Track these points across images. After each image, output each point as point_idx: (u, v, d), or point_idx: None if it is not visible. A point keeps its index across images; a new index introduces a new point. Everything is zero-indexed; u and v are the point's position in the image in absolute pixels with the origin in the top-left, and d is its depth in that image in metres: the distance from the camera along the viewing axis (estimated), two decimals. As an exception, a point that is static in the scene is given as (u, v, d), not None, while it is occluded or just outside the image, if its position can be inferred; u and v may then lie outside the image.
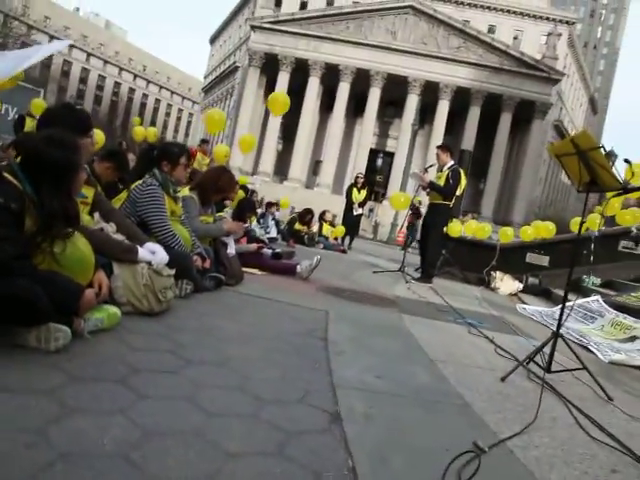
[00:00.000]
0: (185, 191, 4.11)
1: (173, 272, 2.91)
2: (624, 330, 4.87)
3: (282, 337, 2.86)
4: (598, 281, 7.19)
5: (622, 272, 7.74)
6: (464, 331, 4.06)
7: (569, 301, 6.50)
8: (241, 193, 8.21)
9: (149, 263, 2.78)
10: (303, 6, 43.81)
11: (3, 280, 1.81)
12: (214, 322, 2.91)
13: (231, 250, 4.29)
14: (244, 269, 4.62)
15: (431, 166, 7.39)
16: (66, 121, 2.53)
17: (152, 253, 2.83)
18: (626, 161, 3.40)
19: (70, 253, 2.09)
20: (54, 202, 2.03)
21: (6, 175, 1.89)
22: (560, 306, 6.25)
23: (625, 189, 2.82)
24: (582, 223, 3.28)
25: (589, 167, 2.86)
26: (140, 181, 3.45)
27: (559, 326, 3.02)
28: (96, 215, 2.89)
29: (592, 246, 8.00)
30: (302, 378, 2.22)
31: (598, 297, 5.89)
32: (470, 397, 2.39)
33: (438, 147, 7.30)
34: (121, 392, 1.73)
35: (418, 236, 8.51)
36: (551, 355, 2.95)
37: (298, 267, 5.34)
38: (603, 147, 2.70)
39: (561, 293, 7.48)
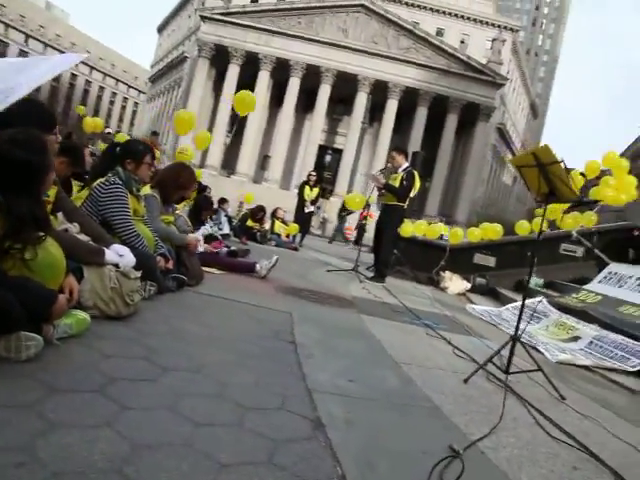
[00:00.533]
0: (146, 189, 4.03)
1: (139, 274, 2.86)
2: (567, 330, 5.14)
3: (251, 340, 2.86)
4: (541, 282, 7.52)
5: (562, 273, 8.13)
6: (422, 332, 4.18)
7: (515, 301, 6.79)
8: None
9: (116, 265, 2.73)
10: (254, -1, 43.42)
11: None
12: (182, 325, 2.88)
13: (200, 249, 4.25)
14: (203, 268, 4.58)
15: (386, 168, 7.51)
16: (30, 118, 2.43)
17: (119, 255, 2.77)
18: (582, 174, 3.59)
19: (41, 258, 2.02)
20: (23, 206, 1.96)
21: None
22: (507, 306, 6.54)
23: (580, 202, 2.99)
24: (540, 232, 3.42)
25: (548, 179, 3.01)
26: (103, 179, 3.36)
27: (517, 330, 3.16)
28: (60, 215, 2.79)
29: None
30: (277, 383, 2.24)
31: (542, 298, 6.16)
32: (437, 399, 2.48)
33: (394, 150, 7.45)
34: (102, 403, 1.69)
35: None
36: (510, 358, 3.10)
37: (257, 265, 5.33)
38: (563, 162, 2.85)
39: (507, 293, 7.85)
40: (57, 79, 75.79)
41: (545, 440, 2.23)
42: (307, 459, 1.59)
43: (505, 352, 3.20)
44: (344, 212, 20.07)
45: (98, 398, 1.72)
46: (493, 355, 3.14)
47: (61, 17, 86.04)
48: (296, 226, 12.09)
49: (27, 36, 74.27)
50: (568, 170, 2.90)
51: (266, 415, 1.88)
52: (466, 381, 2.87)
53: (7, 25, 70.90)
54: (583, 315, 5.42)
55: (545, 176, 3.00)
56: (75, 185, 4.10)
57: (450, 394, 2.62)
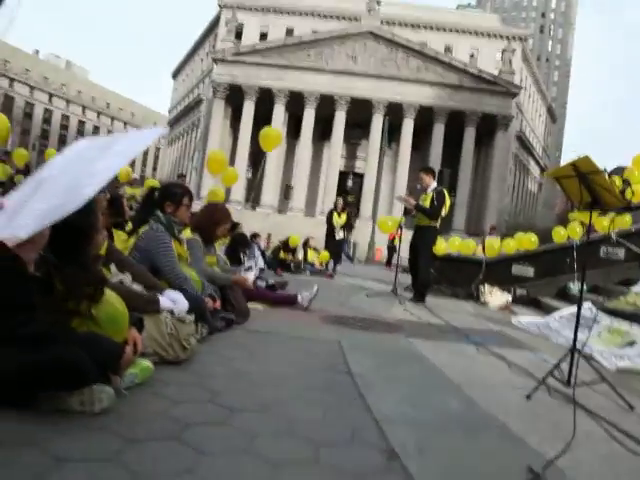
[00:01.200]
0: (187, 233, 4.12)
1: (193, 318, 2.91)
2: (621, 335, 5.01)
3: (308, 374, 2.87)
4: (585, 288, 7.35)
5: (606, 277, 7.96)
6: (473, 351, 4.12)
7: (559, 309, 6.65)
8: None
9: (171, 312, 2.78)
10: (263, 36, 44.42)
11: (46, 348, 1.80)
12: (238, 365, 2.90)
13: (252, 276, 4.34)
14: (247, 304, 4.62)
15: (416, 189, 7.52)
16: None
17: (173, 301, 2.83)
18: (625, 181, 3.55)
19: (106, 312, 2.09)
20: (74, 269, 2.02)
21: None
22: (552, 315, 6.40)
23: (630, 208, 2.96)
24: (588, 240, 3.38)
25: (590, 188, 2.98)
26: (146, 227, 3.44)
27: (575, 341, 3.10)
28: (112, 267, 2.87)
29: (574, 254, 8.26)
30: (344, 416, 2.24)
31: (590, 304, 6.02)
32: (505, 419, 2.44)
33: (421, 170, 7.46)
34: (180, 450, 1.72)
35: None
36: (570, 370, 3.03)
37: (299, 297, 5.36)
38: (605, 170, 2.83)
39: (550, 302, 7.70)
40: (81, 132, 78.49)
41: (624, 454, 2.17)
42: (391, 491, 1.58)
43: (562, 364, 3.13)
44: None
45: (175, 445, 1.75)
46: (553, 369, 3.08)
47: (81, 74, 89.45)
48: (326, 253, 12.12)
49: (50, 95, 77.37)
50: (610, 177, 2.88)
51: (339, 449, 1.87)
52: (529, 397, 2.82)
53: (32, 87, 74.14)
54: (635, 318, 5.28)
55: (587, 185, 2.97)
56: (118, 234, 4.22)
57: (515, 412, 2.58)
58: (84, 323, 2.04)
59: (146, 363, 2.38)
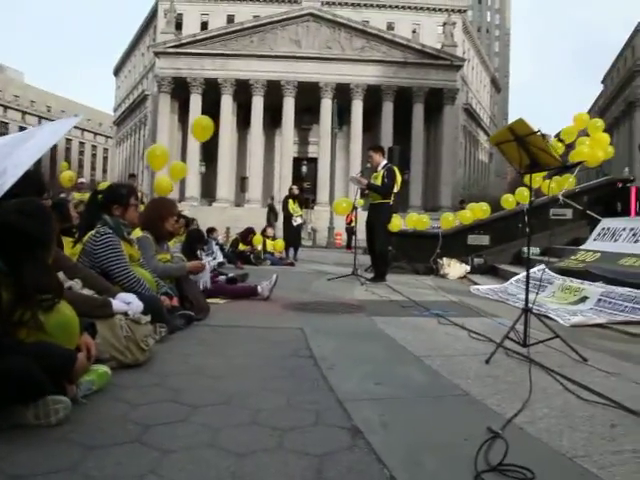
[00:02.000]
0: (137, 232, 4.03)
1: (149, 318, 2.87)
2: (574, 293, 5.20)
3: (271, 363, 2.87)
4: (537, 250, 7.59)
5: (556, 239, 8.21)
6: (434, 323, 4.21)
7: (517, 274, 6.85)
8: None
9: (125, 314, 2.73)
10: (204, 26, 43.54)
11: (-5, 361, 1.74)
12: (200, 361, 2.88)
13: (206, 284, 4.26)
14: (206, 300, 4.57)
15: (367, 168, 7.57)
16: (21, 185, 2.44)
17: (127, 303, 2.77)
18: (560, 140, 3.65)
19: (55, 320, 2.03)
20: (30, 276, 1.96)
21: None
22: (510, 281, 6.59)
23: (565, 166, 3.04)
24: (531, 202, 3.48)
25: (528, 151, 3.06)
26: (93, 231, 3.36)
27: (527, 302, 3.20)
28: (60, 274, 2.79)
29: (525, 219, 8.48)
30: (307, 400, 2.25)
31: (542, 266, 6.22)
32: (465, 385, 2.50)
33: (370, 149, 7.52)
34: (143, 451, 1.70)
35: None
36: (525, 330, 3.13)
37: (258, 288, 5.34)
38: (540, 131, 2.90)
39: (507, 268, 7.91)
40: (22, 140, 75.31)
41: (578, 404, 2.26)
42: (354, 468, 1.60)
43: (519, 326, 3.23)
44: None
45: (138, 447, 1.73)
46: (509, 331, 3.17)
47: (16, 77, 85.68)
48: (282, 242, 12.11)
49: (-16, 103, 74.02)
50: (545, 137, 2.95)
51: (304, 433, 1.89)
52: (488, 362, 2.90)
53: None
54: (586, 275, 5.49)
55: (525, 148, 3.05)
56: (66, 241, 4.10)
57: (476, 377, 2.65)
58: (32, 333, 1.97)
59: (103, 369, 2.33)
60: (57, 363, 1.92)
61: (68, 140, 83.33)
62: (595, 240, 6.77)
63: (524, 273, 6.58)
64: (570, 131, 7.95)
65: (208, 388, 2.40)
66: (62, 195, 11.29)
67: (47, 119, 78.94)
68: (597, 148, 8.06)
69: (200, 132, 8.23)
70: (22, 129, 76.77)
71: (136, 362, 2.65)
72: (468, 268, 8.37)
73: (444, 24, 41.09)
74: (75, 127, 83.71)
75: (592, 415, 2.12)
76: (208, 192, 40.02)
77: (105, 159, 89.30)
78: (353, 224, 16.43)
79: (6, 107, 76.48)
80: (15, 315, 1.93)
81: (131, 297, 2.86)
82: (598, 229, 6.94)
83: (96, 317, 2.60)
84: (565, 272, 5.98)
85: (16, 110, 77.95)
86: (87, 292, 2.81)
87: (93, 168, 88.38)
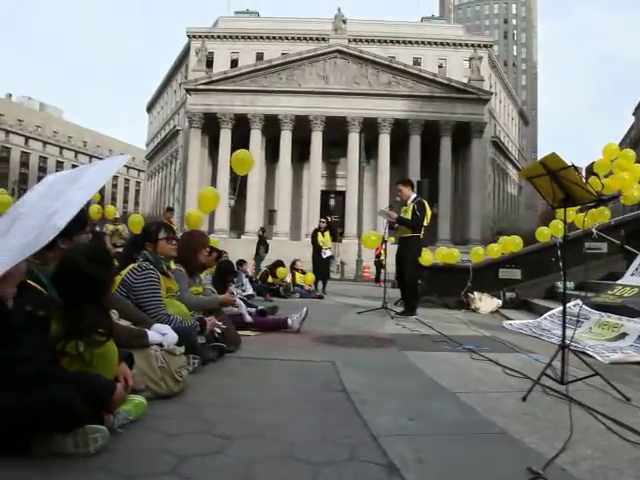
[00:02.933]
0: (172, 265, 4.10)
1: (183, 350, 2.90)
2: (611, 329, 5.05)
3: (303, 396, 2.85)
4: (572, 285, 7.43)
5: (591, 273, 8.03)
6: (467, 358, 4.13)
7: (550, 309, 6.69)
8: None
9: (160, 345, 2.76)
10: (234, 64, 44.83)
11: (39, 389, 1.78)
12: (233, 393, 2.88)
13: (247, 317, 4.32)
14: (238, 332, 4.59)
15: (396, 202, 7.59)
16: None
17: (162, 334, 2.81)
18: (594, 174, 3.62)
19: (97, 351, 2.07)
20: (94, 316, 2.06)
21: (29, 282, 1.89)
22: (544, 316, 6.44)
23: (600, 200, 3.01)
24: (565, 236, 3.44)
25: (562, 185, 3.04)
26: (135, 264, 3.44)
27: (564, 338, 3.13)
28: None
29: (558, 252, 8.34)
30: (341, 434, 2.22)
31: (578, 301, 6.08)
32: (502, 423, 2.44)
33: (399, 182, 7.54)
34: (179, 483, 1.70)
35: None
36: (563, 367, 3.05)
37: (289, 320, 5.34)
38: (573, 165, 2.89)
39: (540, 303, 7.74)
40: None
41: (623, 445, 2.18)
42: (393, 506, 1.57)
43: (556, 362, 3.15)
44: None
45: (174, 479, 1.73)
46: (546, 368, 3.10)
47: (55, 114, 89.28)
48: (312, 275, 12.14)
49: (27, 138, 77.20)
50: (578, 171, 2.94)
51: (339, 468, 1.87)
52: (525, 399, 2.83)
53: (7, 131, 73.96)
54: (623, 310, 5.34)
55: (558, 182, 3.03)
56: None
57: (513, 415, 2.58)
58: (74, 362, 2.02)
59: (139, 399, 2.36)
60: (97, 393, 1.96)
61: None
62: (633, 275, 6.60)
63: (559, 308, 6.46)
64: (603, 163, 7.83)
65: (242, 420, 2.40)
66: (96, 227, 11.59)
67: (83, 154, 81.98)
68: (633, 179, 7.89)
69: (240, 165, 8.40)
70: (59, 163, 79.71)
71: (170, 393, 2.67)
72: (500, 302, 8.23)
73: (470, 59, 41.44)
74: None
75: (639, 458, 2.04)
76: (237, 225, 40.50)
77: (137, 192, 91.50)
78: (382, 257, 16.45)
79: (45, 143, 79.56)
80: (59, 345, 1.98)
81: (166, 328, 2.90)
82: (636, 263, 6.76)
83: (132, 347, 2.65)
84: (602, 307, 5.82)
85: (55, 145, 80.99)
86: (123, 322, 2.86)
87: (125, 201, 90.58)
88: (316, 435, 2.21)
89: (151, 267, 3.43)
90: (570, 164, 2.99)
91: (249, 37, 46.66)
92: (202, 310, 4.13)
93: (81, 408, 1.85)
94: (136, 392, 2.49)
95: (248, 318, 4.66)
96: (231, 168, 8.67)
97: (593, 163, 8.49)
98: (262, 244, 17.76)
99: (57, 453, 1.87)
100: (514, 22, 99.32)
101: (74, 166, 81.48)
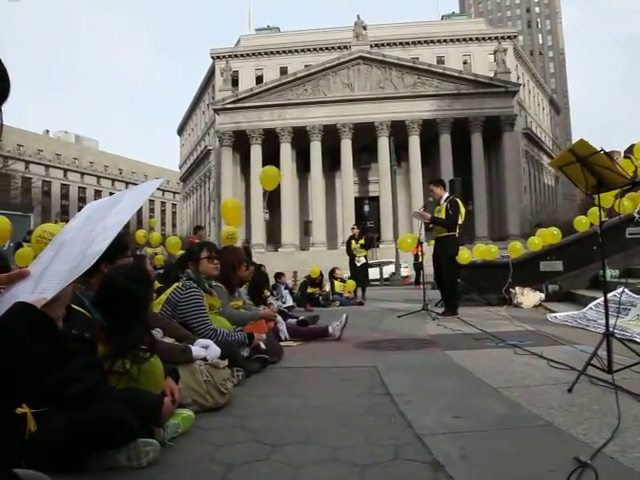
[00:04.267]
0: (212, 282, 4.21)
1: (227, 363, 2.97)
2: (660, 315, 4.90)
3: (347, 401, 2.88)
4: (617, 272, 7.23)
5: (636, 259, 7.81)
6: (511, 353, 4.09)
7: (595, 299, 6.54)
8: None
9: (204, 359, 2.85)
10: (259, 80, 45.52)
11: (92, 407, 1.87)
12: (277, 402, 2.94)
13: (284, 333, 4.41)
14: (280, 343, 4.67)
15: (430, 202, 7.56)
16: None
17: (205, 348, 2.90)
18: (626, 157, 3.55)
19: (143, 368, 2.17)
20: (138, 335, 2.16)
21: (74, 306, 1.99)
22: (589, 306, 6.30)
23: (635, 183, 2.96)
24: (601, 223, 3.38)
25: (593, 171, 3.00)
26: (179, 284, 3.57)
27: (607, 326, 3.07)
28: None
29: (599, 240, 8.12)
30: (386, 436, 2.25)
31: (623, 288, 5.91)
32: (548, 415, 2.42)
33: (431, 183, 7.52)
34: (229, 490, 1.76)
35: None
36: (609, 356, 2.99)
37: (329, 328, 5.38)
38: (602, 150, 2.85)
39: (584, 293, 7.56)
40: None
41: (674, 431, 2.13)
42: (438, 501, 1.59)
43: (602, 352, 3.09)
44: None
45: (224, 487, 1.79)
46: (591, 357, 3.04)
47: (91, 145, 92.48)
48: (352, 282, 12.16)
49: (65, 170, 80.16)
50: (609, 155, 2.89)
51: (385, 468, 1.89)
52: (570, 390, 2.79)
53: (47, 166, 77.01)
54: (671, 295, 5.18)
55: (589, 168, 2.99)
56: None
57: (559, 407, 2.55)
58: (122, 380, 2.12)
59: (187, 412, 2.44)
60: (146, 408, 2.04)
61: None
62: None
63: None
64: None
65: (287, 428, 2.45)
66: (137, 250, 11.92)
67: (119, 181, 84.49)
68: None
69: (267, 181, 8.54)
70: (97, 192, 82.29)
71: (217, 405, 2.75)
72: (543, 296, 8.07)
73: (495, 52, 40.92)
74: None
75: (691, 444, 1.99)
76: (273, 238, 40.89)
77: (174, 214, 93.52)
78: (420, 259, 16.33)
79: (83, 173, 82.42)
80: (106, 364, 2.08)
81: (208, 342, 2.99)
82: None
83: (177, 363, 2.74)
84: (648, 293, 5.66)
85: (92, 175, 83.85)
86: (167, 340, 2.96)
87: (163, 223, 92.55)
88: (360, 438, 2.23)
89: (194, 285, 3.55)
90: (600, 149, 2.95)
91: (272, 52, 47.32)
92: (244, 324, 4.23)
93: (133, 422, 1.93)
94: (183, 406, 2.57)
95: (284, 335, 4.73)
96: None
97: (633, 146, 8.26)
98: (247, 256, 17.59)
99: (111, 468, 1.96)
100: (537, 10, 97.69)
101: (111, 194, 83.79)
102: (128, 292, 2.15)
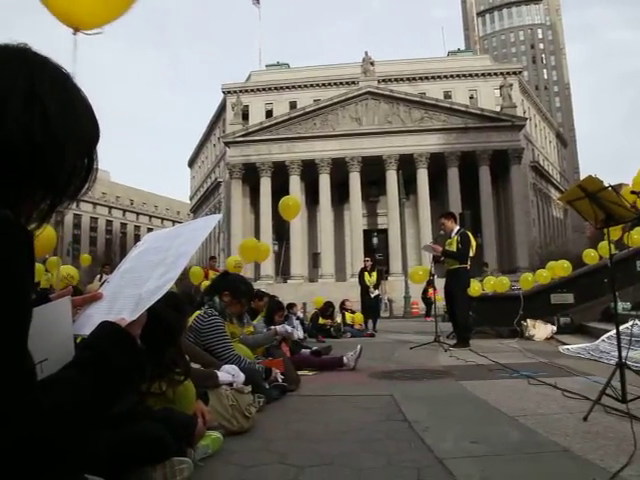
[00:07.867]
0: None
1: (250, 388, 3.08)
2: (672, 347, 4.95)
3: (367, 427, 2.97)
4: (628, 305, 7.28)
5: (647, 291, 7.86)
6: (525, 383, 4.15)
7: (608, 332, 6.59)
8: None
9: (230, 384, 2.95)
10: (269, 114, 46.35)
11: (132, 425, 1.98)
12: (299, 427, 3.02)
13: (298, 333, 4.49)
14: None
15: (440, 235, 7.70)
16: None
17: (230, 374, 3.01)
18: (634, 192, 3.69)
19: (178, 390, 2.28)
20: (173, 359, 2.28)
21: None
22: (601, 338, 6.35)
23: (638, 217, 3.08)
24: (612, 256, 3.49)
25: (602, 206, 3.13)
26: (201, 311, 3.69)
27: (620, 357, 3.15)
28: (170, 351, 3.08)
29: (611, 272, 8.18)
30: (407, 459, 2.33)
31: (635, 320, 5.96)
32: (564, 442, 2.49)
33: (442, 216, 7.66)
34: (262, 507, 1.85)
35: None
36: (623, 385, 3.07)
37: (344, 358, 5.46)
38: (610, 186, 2.99)
39: (596, 325, 7.60)
40: (110, 230, 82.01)
41: (688, 458, 2.20)
42: (463, 517, 1.68)
43: (616, 382, 3.17)
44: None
45: (256, 504, 1.88)
46: (605, 387, 3.12)
47: (103, 176, 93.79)
48: (360, 315, 12.24)
49: (78, 201, 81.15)
50: (617, 191, 3.02)
51: (409, 489, 1.98)
52: (586, 419, 2.86)
53: (59, 198, 78.14)
54: (683, 328, 5.23)
55: (598, 203, 3.12)
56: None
57: (575, 434, 2.63)
58: (158, 401, 2.23)
59: (216, 434, 2.54)
60: (181, 428, 2.15)
61: (149, 229, 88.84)
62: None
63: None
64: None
65: (310, 451, 2.54)
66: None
67: (130, 212, 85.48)
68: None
69: (287, 211, 8.74)
70: (109, 222, 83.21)
71: (241, 429, 2.84)
72: (554, 328, 8.10)
73: (501, 87, 41.55)
74: (155, 216, 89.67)
75: None
76: (282, 269, 40.96)
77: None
78: (430, 293, 16.36)
79: (95, 204, 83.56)
80: (144, 386, 2.20)
81: (234, 369, 3.10)
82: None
83: (204, 387, 2.85)
84: (660, 326, 5.70)
85: (104, 206, 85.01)
86: (194, 365, 3.07)
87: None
88: (382, 460, 2.32)
89: (216, 313, 3.67)
90: (608, 185, 3.09)
91: (281, 87, 48.29)
92: (261, 347, 4.34)
93: (169, 441, 2.04)
94: (210, 429, 2.67)
95: (297, 335, 4.82)
96: (273, 214, 9.06)
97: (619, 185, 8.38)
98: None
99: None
100: (541, 46, 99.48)
101: (123, 224, 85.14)
102: (166, 320, 2.27)
